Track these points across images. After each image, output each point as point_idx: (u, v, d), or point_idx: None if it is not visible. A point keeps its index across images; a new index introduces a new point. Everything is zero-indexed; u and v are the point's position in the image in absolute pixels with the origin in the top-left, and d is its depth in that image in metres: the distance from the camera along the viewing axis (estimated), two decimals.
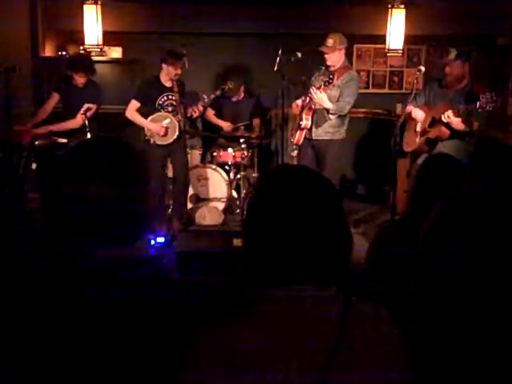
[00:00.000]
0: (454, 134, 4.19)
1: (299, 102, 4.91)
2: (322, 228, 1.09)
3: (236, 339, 1.05)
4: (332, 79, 4.57)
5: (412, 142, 4.51)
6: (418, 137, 4.42)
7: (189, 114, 5.20)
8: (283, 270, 1.08)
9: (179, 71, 5.05)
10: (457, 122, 4.05)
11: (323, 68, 4.91)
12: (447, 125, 4.14)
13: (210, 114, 6.11)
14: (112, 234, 1.17)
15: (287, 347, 1.03)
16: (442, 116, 4.07)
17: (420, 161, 4.22)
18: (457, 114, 4.02)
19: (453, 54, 4.31)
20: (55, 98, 5.20)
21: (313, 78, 4.98)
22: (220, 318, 1.08)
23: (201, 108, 5.25)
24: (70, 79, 5.06)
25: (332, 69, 4.80)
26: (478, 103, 3.85)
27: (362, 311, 1.08)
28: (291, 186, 1.12)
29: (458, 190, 1.33)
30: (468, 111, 3.95)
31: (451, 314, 1.20)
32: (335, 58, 4.75)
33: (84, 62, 5.16)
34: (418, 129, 4.43)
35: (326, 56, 4.74)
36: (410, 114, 4.48)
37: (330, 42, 4.69)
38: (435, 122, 4.27)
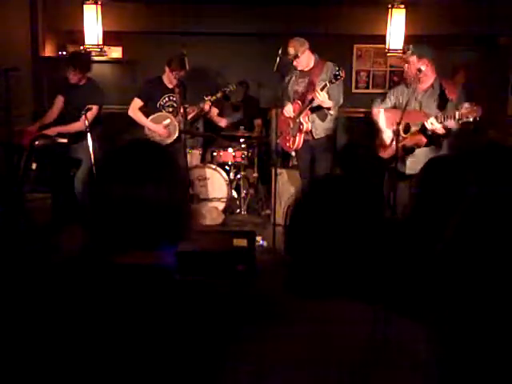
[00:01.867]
0: (431, 140, 4.09)
1: (290, 107, 4.89)
2: (366, 241, 1.08)
3: (270, 347, 1.05)
4: (340, 75, 4.49)
5: (386, 147, 4.35)
6: (393, 143, 4.19)
7: (189, 116, 5.21)
8: (324, 281, 1.08)
9: (182, 73, 5.09)
10: (440, 128, 3.95)
11: (297, 72, 4.91)
12: (424, 131, 4.03)
13: (214, 112, 6.13)
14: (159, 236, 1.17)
15: (318, 360, 1.02)
16: (426, 123, 3.94)
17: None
18: (439, 122, 3.90)
19: (409, 51, 4.20)
20: (60, 100, 5.18)
21: (287, 81, 4.96)
22: (261, 327, 1.08)
23: (206, 107, 5.29)
24: (68, 79, 5.05)
25: (307, 69, 4.83)
26: (457, 113, 3.76)
27: (393, 329, 1.06)
28: (339, 196, 1.12)
29: (480, 190, 1.32)
30: (446, 117, 3.86)
31: (478, 315, 1.19)
32: (303, 61, 4.79)
33: (76, 59, 5.13)
34: (390, 134, 4.26)
35: (294, 64, 4.79)
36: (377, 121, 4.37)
37: (291, 51, 4.72)
38: (410, 128, 4.12)
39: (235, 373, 1.04)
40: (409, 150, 4.19)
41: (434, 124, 3.92)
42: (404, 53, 4.28)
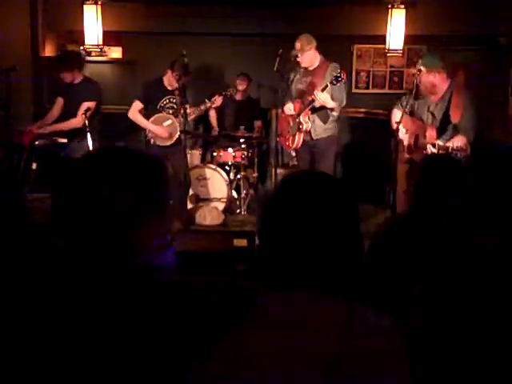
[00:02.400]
0: None
1: (291, 106, 4.90)
2: (337, 236, 1.10)
3: (245, 340, 1.06)
4: (342, 77, 4.50)
5: (401, 155, 4.40)
6: (406, 152, 4.31)
7: (190, 117, 5.21)
8: (295, 274, 1.09)
9: (185, 79, 5.09)
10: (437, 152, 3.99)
11: (301, 70, 4.90)
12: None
13: (212, 114, 6.13)
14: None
15: (290, 352, 1.03)
16: (428, 148, 4.01)
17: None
18: (436, 149, 3.96)
19: (419, 63, 4.24)
20: (60, 102, 5.18)
21: (292, 79, 4.96)
22: (234, 318, 1.09)
23: (213, 105, 5.31)
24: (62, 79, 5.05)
25: (311, 68, 4.82)
26: (450, 147, 3.83)
27: (366, 321, 1.08)
28: (309, 191, 1.13)
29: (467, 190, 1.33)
30: (442, 146, 3.93)
31: (464, 310, 1.20)
32: (308, 58, 4.76)
33: (64, 58, 5.12)
34: (406, 143, 4.34)
35: (298, 60, 4.76)
36: (394, 129, 4.37)
37: (297, 45, 4.71)
38: (418, 143, 4.19)
39: (209, 368, 1.05)
40: (415, 164, 4.21)
41: (432, 150, 3.99)
42: (415, 65, 4.31)
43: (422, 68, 4.17)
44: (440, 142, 3.98)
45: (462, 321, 1.20)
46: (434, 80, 4.14)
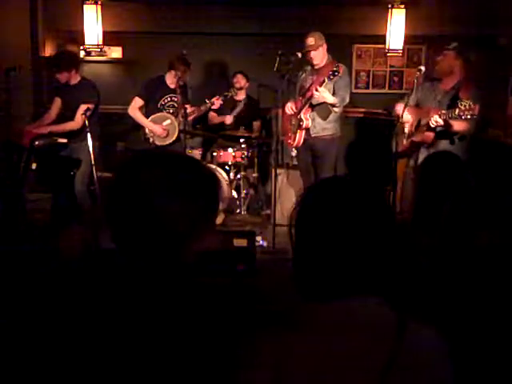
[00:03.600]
0: (440, 137, 4.11)
1: (292, 104, 4.91)
2: (374, 240, 1.08)
3: (290, 349, 1.04)
4: (338, 71, 4.52)
5: (401, 142, 4.41)
6: (406, 139, 4.34)
7: (190, 117, 5.21)
8: (335, 283, 1.08)
9: (186, 75, 5.08)
10: (442, 123, 3.95)
11: (308, 68, 4.92)
12: (430, 128, 4.05)
13: (213, 116, 6.13)
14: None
15: (336, 364, 1.01)
16: (430, 122, 3.98)
17: (419, 161, 4.20)
18: (441, 118, 3.93)
19: (453, 44, 4.23)
20: (58, 102, 5.16)
21: (299, 78, 4.98)
22: (276, 326, 1.08)
23: (213, 106, 5.29)
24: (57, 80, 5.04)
25: (317, 67, 4.82)
26: (456, 110, 3.79)
27: (417, 339, 1.04)
28: (342, 197, 1.11)
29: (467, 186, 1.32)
30: (449, 116, 3.88)
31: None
32: (320, 55, 4.78)
33: (57, 59, 5.09)
34: (406, 130, 4.35)
35: (311, 56, 4.77)
36: (399, 115, 4.35)
37: (311, 40, 4.72)
38: (420, 125, 4.19)
39: (254, 375, 1.04)
40: (417, 146, 4.21)
41: (437, 121, 3.94)
42: (448, 45, 4.25)
43: (452, 49, 4.16)
44: (444, 111, 3.95)
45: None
46: (454, 64, 4.16)
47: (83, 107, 4.80)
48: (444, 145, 4.12)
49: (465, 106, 3.73)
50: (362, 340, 1.02)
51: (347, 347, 1.02)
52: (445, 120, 3.91)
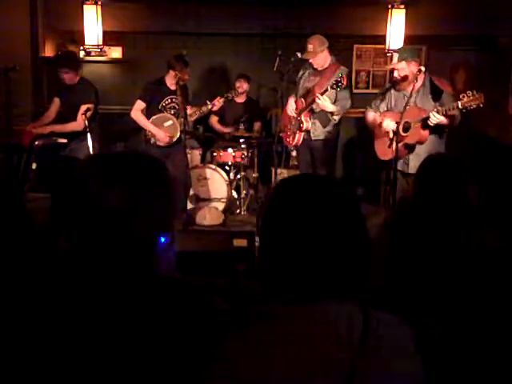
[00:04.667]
0: (433, 132, 4.10)
1: (293, 103, 4.91)
2: (343, 239, 1.05)
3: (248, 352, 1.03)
4: (342, 82, 4.48)
5: (387, 150, 4.32)
6: (394, 144, 4.15)
7: (191, 118, 5.21)
8: (302, 285, 1.05)
9: (186, 77, 5.06)
10: (443, 119, 3.93)
11: (311, 68, 4.89)
12: (427, 127, 4.02)
13: (214, 120, 6.12)
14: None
15: (305, 366, 1.00)
16: (429, 120, 3.94)
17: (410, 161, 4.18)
18: (441, 114, 3.90)
19: (395, 57, 4.22)
20: (56, 102, 5.17)
21: (300, 76, 4.96)
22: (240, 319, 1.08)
23: (214, 108, 5.29)
24: (62, 80, 5.04)
25: (320, 69, 4.81)
26: (459, 103, 3.76)
27: (381, 329, 1.04)
28: (308, 195, 1.08)
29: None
30: (448, 109, 3.86)
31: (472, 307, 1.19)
32: (320, 60, 4.76)
33: (65, 58, 5.10)
34: (391, 135, 4.22)
35: (311, 61, 4.77)
36: (378, 124, 4.32)
37: (309, 47, 4.70)
38: (410, 127, 4.11)
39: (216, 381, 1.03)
40: (411, 148, 4.19)
41: (437, 117, 3.92)
42: (391, 60, 4.29)
43: (398, 61, 4.15)
44: (439, 107, 3.93)
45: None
46: (413, 70, 4.12)
47: (83, 108, 4.80)
48: (433, 139, 4.11)
49: (468, 96, 3.70)
50: (327, 346, 1.00)
51: (311, 353, 1.00)
52: (445, 115, 3.90)
